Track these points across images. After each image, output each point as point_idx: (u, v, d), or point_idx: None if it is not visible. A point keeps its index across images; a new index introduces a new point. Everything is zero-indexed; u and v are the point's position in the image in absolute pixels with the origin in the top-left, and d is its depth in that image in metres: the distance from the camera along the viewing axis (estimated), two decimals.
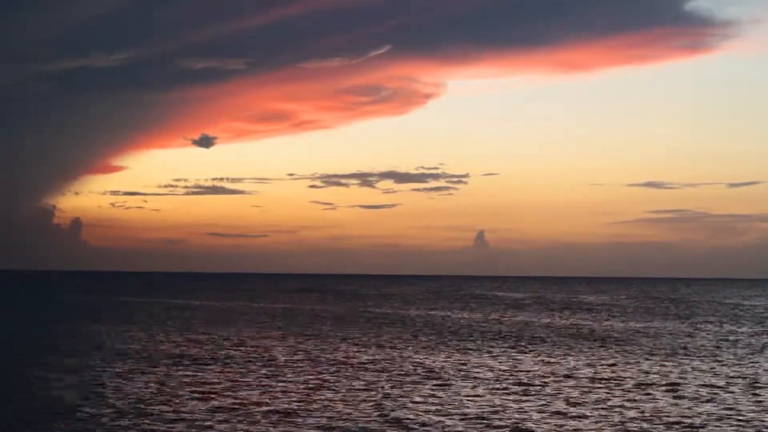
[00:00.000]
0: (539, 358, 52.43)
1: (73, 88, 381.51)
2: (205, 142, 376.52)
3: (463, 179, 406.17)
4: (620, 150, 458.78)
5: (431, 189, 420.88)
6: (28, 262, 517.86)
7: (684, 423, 31.45)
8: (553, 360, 51.55)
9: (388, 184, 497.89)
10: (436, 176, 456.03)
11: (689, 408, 34.66)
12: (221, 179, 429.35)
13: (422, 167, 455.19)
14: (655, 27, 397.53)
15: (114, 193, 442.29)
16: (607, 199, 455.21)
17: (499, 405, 34.58)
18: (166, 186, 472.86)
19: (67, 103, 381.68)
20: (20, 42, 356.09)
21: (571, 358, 52.81)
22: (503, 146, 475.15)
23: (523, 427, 30.13)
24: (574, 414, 32.73)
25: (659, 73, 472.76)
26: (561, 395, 37.28)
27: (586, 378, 43.01)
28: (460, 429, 29.70)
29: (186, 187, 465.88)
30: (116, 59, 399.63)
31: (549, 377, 43.30)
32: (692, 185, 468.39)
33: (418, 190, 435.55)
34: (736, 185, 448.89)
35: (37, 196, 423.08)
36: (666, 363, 50.49)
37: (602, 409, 33.96)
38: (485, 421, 31.00)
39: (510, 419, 31.49)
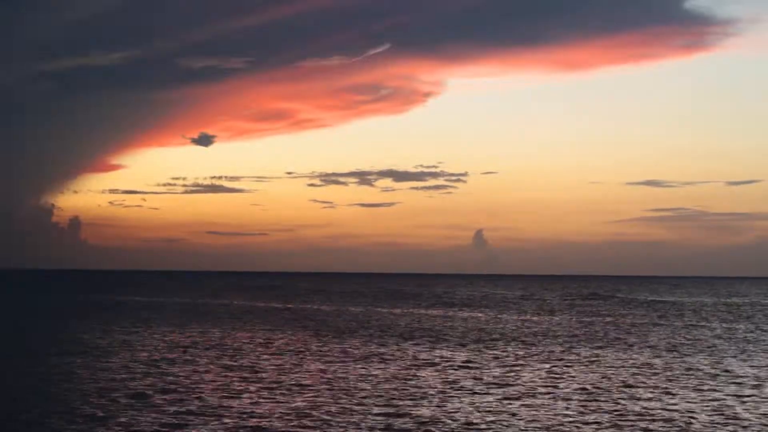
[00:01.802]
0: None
1: (73, 88, 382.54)
2: (205, 140, 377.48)
3: (462, 178, 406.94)
4: (619, 148, 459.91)
5: (430, 188, 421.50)
6: (27, 261, 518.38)
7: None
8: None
9: (387, 182, 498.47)
10: (435, 175, 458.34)
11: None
12: (220, 178, 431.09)
13: (421, 166, 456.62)
14: (655, 26, 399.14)
15: (113, 191, 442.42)
16: (605, 197, 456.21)
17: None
18: (165, 185, 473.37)
19: (66, 102, 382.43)
20: (20, 41, 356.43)
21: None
22: (502, 145, 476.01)
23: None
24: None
25: (658, 71, 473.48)
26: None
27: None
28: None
29: (185, 185, 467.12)
30: (115, 58, 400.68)
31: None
32: (691, 184, 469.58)
33: (416, 188, 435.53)
34: (735, 183, 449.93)
35: (36, 194, 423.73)
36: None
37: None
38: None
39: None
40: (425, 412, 32.91)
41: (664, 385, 40.64)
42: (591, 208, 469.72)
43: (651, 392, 38.45)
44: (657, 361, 51.38)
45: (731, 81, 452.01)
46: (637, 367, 47.69)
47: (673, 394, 37.92)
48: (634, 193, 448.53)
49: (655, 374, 44.90)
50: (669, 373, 45.23)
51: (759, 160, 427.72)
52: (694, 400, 36.44)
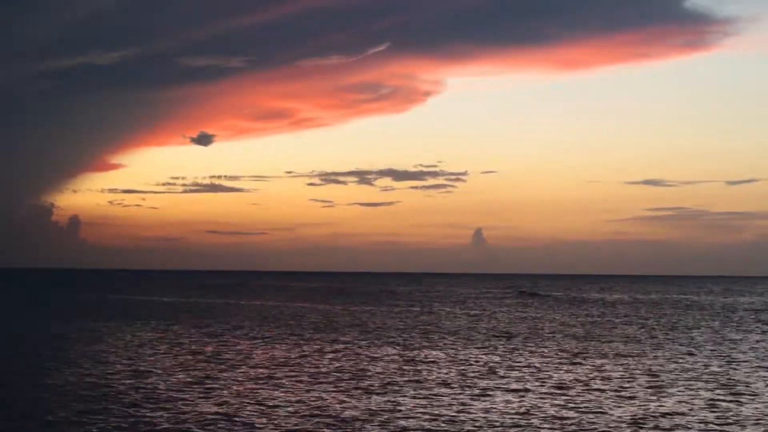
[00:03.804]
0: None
1: (72, 86, 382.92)
2: (204, 139, 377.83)
3: (462, 177, 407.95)
4: (619, 148, 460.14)
5: (429, 187, 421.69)
6: (27, 260, 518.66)
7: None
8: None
9: (387, 181, 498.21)
10: (434, 174, 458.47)
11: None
12: (220, 177, 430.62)
13: (421, 165, 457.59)
14: (654, 25, 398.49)
15: (112, 191, 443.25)
16: (605, 196, 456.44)
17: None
18: (164, 184, 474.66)
19: (66, 101, 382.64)
20: (19, 40, 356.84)
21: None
22: (502, 144, 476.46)
23: None
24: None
25: (658, 70, 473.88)
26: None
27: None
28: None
29: (184, 185, 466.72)
30: (115, 57, 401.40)
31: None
32: (690, 183, 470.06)
33: (416, 188, 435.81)
34: (735, 183, 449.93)
35: (36, 193, 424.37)
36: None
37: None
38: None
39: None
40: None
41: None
42: (590, 208, 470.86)
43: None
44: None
45: (731, 80, 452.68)
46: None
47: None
48: (633, 193, 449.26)
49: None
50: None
51: (759, 159, 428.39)
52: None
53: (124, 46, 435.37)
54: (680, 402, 35.16)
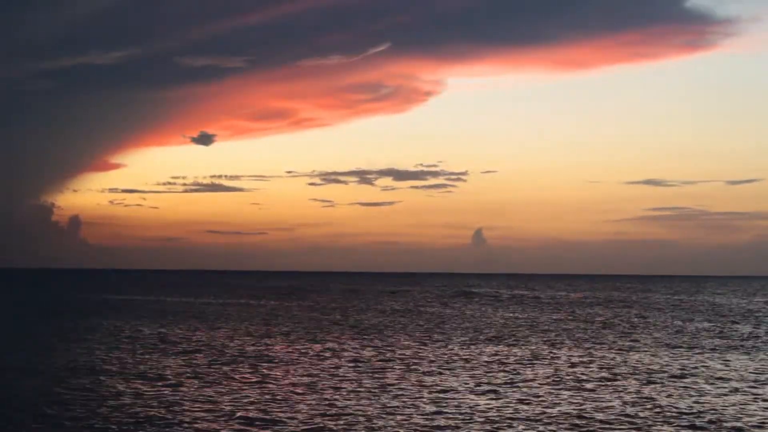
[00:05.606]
0: None
1: (72, 86, 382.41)
2: (204, 139, 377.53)
3: (462, 177, 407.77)
4: (619, 148, 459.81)
5: (430, 186, 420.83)
6: (27, 260, 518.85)
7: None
8: None
9: (387, 181, 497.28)
10: (435, 174, 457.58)
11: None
12: (220, 177, 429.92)
13: (421, 165, 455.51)
14: (655, 25, 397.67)
15: (113, 190, 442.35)
16: (605, 196, 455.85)
17: None
18: (164, 184, 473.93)
19: (66, 101, 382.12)
20: (19, 40, 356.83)
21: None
22: (502, 144, 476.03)
23: None
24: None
25: (659, 70, 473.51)
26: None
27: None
28: None
29: (185, 184, 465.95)
30: (115, 57, 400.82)
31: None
32: (691, 183, 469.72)
33: (416, 187, 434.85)
34: (735, 183, 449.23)
35: (36, 193, 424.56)
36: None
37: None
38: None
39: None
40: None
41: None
42: (591, 208, 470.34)
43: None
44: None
45: (731, 80, 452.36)
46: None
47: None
48: (633, 193, 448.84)
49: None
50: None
51: (759, 159, 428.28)
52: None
53: (124, 46, 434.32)
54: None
